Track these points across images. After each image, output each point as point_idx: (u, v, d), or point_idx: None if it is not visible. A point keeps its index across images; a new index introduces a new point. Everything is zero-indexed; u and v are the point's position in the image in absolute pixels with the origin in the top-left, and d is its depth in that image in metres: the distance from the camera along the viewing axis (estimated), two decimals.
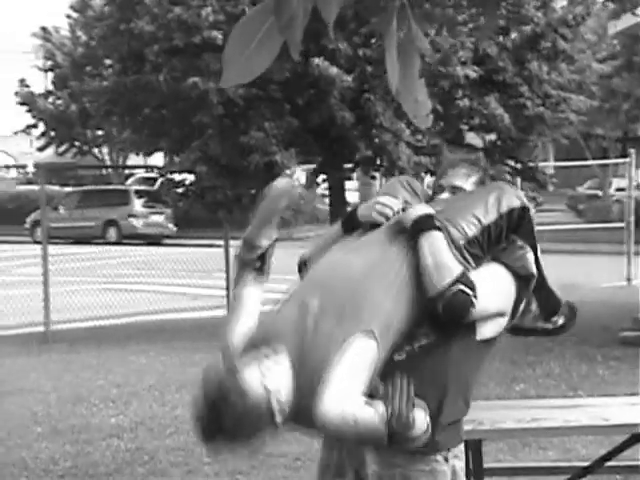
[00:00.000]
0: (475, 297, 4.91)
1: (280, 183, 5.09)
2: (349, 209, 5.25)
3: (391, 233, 5.06)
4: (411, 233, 5.00)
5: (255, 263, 5.19)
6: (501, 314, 5.20)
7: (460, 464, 5.28)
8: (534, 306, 5.47)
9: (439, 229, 4.99)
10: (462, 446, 5.36)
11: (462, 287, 4.91)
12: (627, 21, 15.29)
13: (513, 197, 5.20)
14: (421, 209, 5.05)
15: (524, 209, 5.19)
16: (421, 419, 4.70)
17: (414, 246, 4.98)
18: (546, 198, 36.02)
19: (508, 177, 20.01)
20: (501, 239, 5.18)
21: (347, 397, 4.69)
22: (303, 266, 5.54)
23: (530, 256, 5.19)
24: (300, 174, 24.61)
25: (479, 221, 5.08)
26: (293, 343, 4.81)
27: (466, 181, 5.37)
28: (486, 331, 5.18)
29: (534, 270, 5.19)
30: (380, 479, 5.16)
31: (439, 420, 5.07)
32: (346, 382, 4.71)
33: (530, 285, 5.25)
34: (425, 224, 4.99)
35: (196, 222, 36.44)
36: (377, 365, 4.85)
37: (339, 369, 4.67)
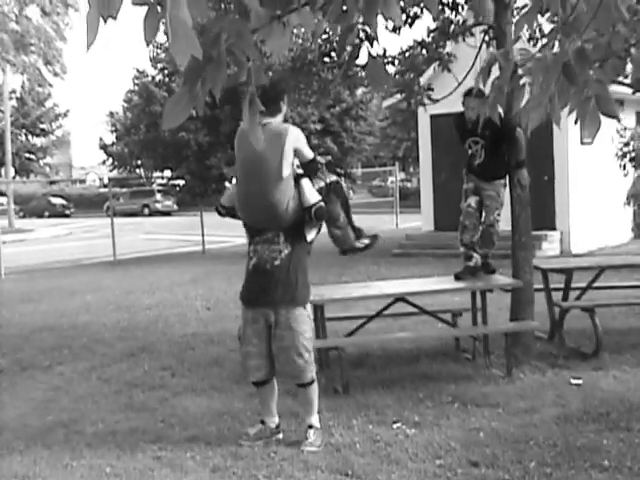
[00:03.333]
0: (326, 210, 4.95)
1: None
2: None
3: None
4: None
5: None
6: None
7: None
8: (341, 219, 5.28)
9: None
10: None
11: (321, 204, 4.92)
12: (392, 100, 15.45)
13: (333, 177, 5.16)
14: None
15: (333, 181, 5.12)
16: None
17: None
18: (358, 187, 36.61)
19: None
20: (329, 193, 5.07)
21: None
22: (221, 208, 5.31)
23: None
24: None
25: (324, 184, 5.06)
26: None
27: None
28: (311, 236, 5.12)
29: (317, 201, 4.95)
30: (277, 323, 4.99)
31: (306, 285, 5.10)
32: None
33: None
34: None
35: (187, 204, 36.44)
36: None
37: None
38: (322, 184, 5.09)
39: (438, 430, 5.19)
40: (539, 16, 3.54)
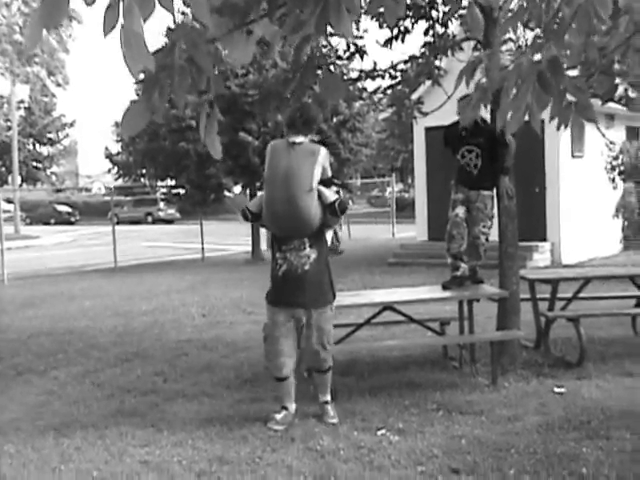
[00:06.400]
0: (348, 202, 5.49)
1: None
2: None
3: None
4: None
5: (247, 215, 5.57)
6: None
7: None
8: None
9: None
10: None
11: (342, 199, 5.40)
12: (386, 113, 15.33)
13: (334, 196, 5.42)
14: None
15: (336, 199, 5.39)
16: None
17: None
18: (357, 198, 36.65)
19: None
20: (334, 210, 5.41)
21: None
22: (249, 213, 5.58)
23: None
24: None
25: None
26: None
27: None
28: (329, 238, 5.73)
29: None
30: (308, 323, 5.40)
31: (333, 285, 5.65)
32: None
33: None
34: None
35: (187, 212, 36.43)
36: None
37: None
38: (333, 198, 5.45)
39: (421, 437, 5.16)
40: (523, 27, 3.52)
